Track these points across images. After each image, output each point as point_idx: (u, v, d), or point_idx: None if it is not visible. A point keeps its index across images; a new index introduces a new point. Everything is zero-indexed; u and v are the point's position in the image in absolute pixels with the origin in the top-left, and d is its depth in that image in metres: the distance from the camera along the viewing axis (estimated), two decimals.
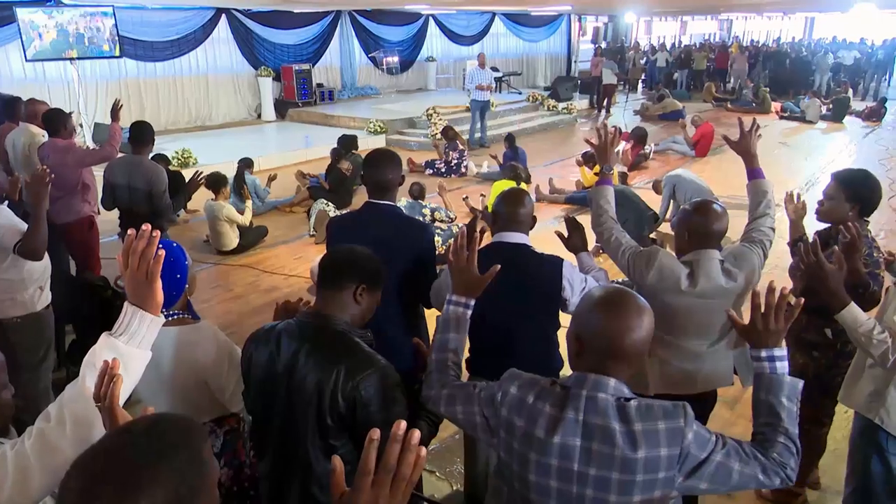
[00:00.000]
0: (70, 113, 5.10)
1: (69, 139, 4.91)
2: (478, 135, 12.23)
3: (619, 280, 4.37)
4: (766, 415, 1.58)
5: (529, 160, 9.77)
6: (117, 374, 1.37)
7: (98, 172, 4.97)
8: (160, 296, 1.49)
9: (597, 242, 2.90)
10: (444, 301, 1.96)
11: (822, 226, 2.93)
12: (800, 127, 14.73)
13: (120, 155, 4.84)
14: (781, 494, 3.15)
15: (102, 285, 4.25)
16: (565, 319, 1.96)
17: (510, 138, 9.85)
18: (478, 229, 2.14)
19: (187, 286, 2.13)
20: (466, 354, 2.60)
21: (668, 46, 26.20)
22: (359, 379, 1.73)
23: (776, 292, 1.62)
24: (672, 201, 7.21)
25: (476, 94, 11.85)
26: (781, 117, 15.72)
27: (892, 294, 2.31)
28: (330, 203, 7.43)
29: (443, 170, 10.11)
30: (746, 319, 1.70)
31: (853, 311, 2.14)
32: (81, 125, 10.52)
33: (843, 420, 3.19)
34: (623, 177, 8.59)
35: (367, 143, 11.03)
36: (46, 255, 3.22)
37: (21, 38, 9.80)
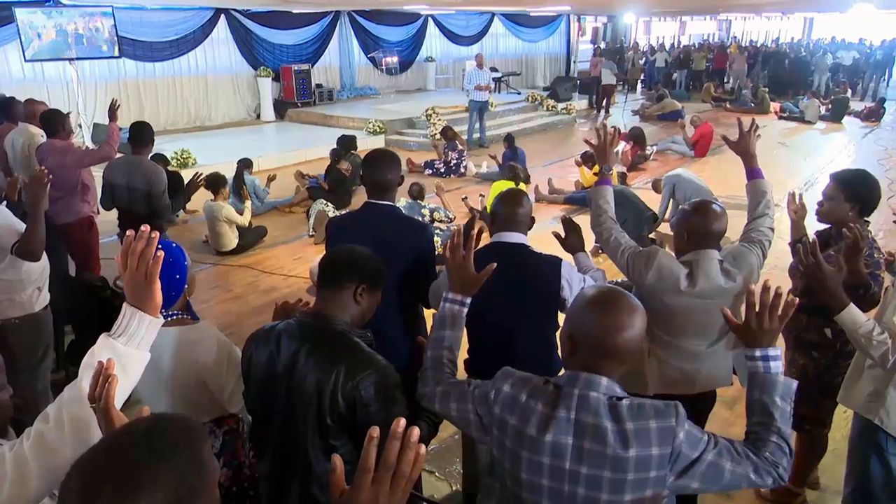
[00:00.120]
0: (68, 114, 5.10)
1: (67, 140, 4.90)
2: (477, 135, 12.24)
3: (619, 280, 4.37)
4: (759, 414, 1.58)
5: (528, 160, 9.77)
6: (112, 374, 1.36)
7: (97, 173, 4.97)
8: (159, 297, 1.49)
9: (596, 242, 2.90)
10: None
11: (823, 226, 2.93)
12: (799, 127, 14.74)
13: (119, 155, 4.83)
14: (781, 494, 3.15)
15: (101, 286, 4.25)
16: None
17: (509, 138, 9.85)
18: (476, 229, 2.14)
19: (186, 286, 2.13)
20: (465, 355, 2.62)
21: (667, 47, 26.23)
22: (359, 379, 1.73)
23: (771, 291, 1.62)
24: (671, 201, 7.22)
25: (474, 95, 11.86)
26: (780, 117, 15.73)
27: (891, 294, 2.31)
28: (329, 203, 7.43)
29: (442, 170, 10.11)
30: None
31: (852, 312, 2.14)
32: (80, 126, 10.53)
33: (842, 420, 3.19)
34: (622, 177, 8.59)
35: (367, 144, 11.02)
36: (45, 256, 3.21)
37: (20, 38, 9.79)
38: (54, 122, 4.77)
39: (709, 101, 18.31)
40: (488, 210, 4.75)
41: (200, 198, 6.73)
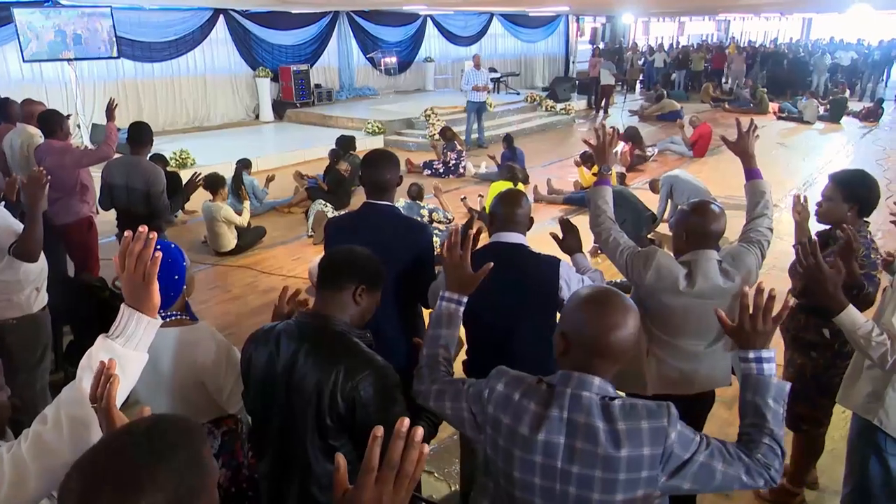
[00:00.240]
0: (68, 116, 5.09)
1: (65, 140, 4.90)
2: (475, 135, 12.24)
3: (617, 280, 4.38)
4: (751, 416, 1.59)
5: (527, 161, 9.77)
6: (114, 374, 1.36)
7: (96, 173, 4.97)
8: (157, 298, 1.49)
9: (595, 243, 2.90)
10: None
11: (824, 227, 2.93)
12: (797, 127, 14.76)
13: (117, 155, 4.83)
14: (779, 494, 3.15)
15: (100, 286, 4.25)
16: None
17: (508, 139, 9.86)
18: (474, 229, 2.14)
19: (185, 287, 2.12)
20: (464, 356, 2.62)
21: (666, 47, 26.24)
22: (358, 379, 1.73)
23: (764, 293, 1.62)
24: (669, 202, 7.23)
25: (472, 95, 11.86)
26: (779, 118, 15.76)
27: (889, 295, 2.31)
28: (328, 204, 7.43)
29: (441, 170, 10.11)
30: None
31: (851, 313, 2.14)
32: (79, 126, 10.52)
33: (841, 420, 3.19)
34: (621, 177, 8.60)
35: (366, 144, 11.03)
36: (43, 257, 3.21)
37: (18, 38, 9.79)
38: (52, 122, 4.76)
39: (707, 102, 18.33)
40: (487, 210, 4.73)
41: (199, 198, 6.73)
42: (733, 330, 1.67)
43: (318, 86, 15.48)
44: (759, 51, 24.81)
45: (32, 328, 3.29)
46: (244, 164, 8.04)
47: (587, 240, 2.87)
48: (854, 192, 2.76)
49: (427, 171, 10.13)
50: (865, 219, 2.82)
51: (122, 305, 1.48)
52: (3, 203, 3.23)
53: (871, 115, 15.41)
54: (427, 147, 11.54)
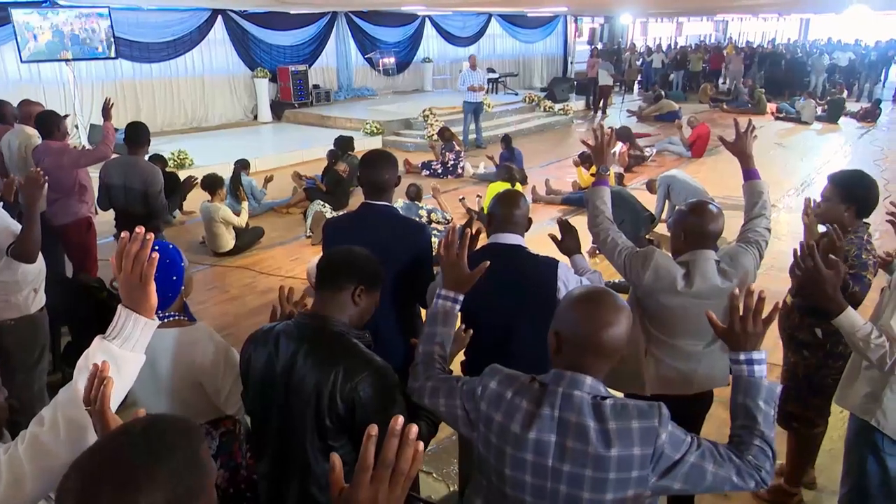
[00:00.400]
0: (65, 116, 5.09)
1: (63, 141, 4.89)
2: (472, 136, 12.24)
3: (616, 281, 4.38)
4: (742, 417, 1.59)
5: (526, 161, 9.78)
6: (107, 376, 1.36)
7: (94, 173, 4.96)
8: (154, 299, 1.48)
9: (593, 243, 2.90)
10: None
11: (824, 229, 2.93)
12: (795, 128, 14.78)
13: (115, 156, 4.83)
14: (777, 494, 3.16)
15: (98, 287, 4.25)
16: None
17: (507, 139, 9.87)
18: (473, 229, 2.14)
19: (183, 288, 2.12)
20: (462, 356, 2.62)
21: (664, 48, 26.26)
22: (357, 380, 1.73)
23: (755, 295, 1.63)
24: (667, 202, 7.23)
25: (468, 96, 11.86)
26: (777, 118, 15.78)
27: (887, 296, 2.31)
28: (326, 204, 7.43)
29: (439, 171, 10.11)
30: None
31: (850, 315, 2.14)
32: (77, 126, 10.51)
33: (838, 420, 3.20)
34: (619, 178, 8.61)
35: (364, 145, 11.03)
36: (41, 258, 3.21)
37: (16, 39, 9.78)
38: (50, 123, 4.75)
39: (706, 102, 18.34)
40: (485, 211, 4.71)
41: (197, 199, 6.72)
42: (724, 332, 1.67)
43: (316, 86, 15.48)
44: (756, 51, 24.85)
45: (30, 329, 3.29)
46: (242, 165, 8.04)
47: (586, 240, 2.87)
48: (851, 192, 2.76)
49: (425, 172, 10.13)
50: (866, 220, 2.81)
51: (119, 306, 1.47)
52: (0, 204, 3.23)
53: (869, 116, 15.44)
54: (425, 147, 11.54)
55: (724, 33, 35.30)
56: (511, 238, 2.47)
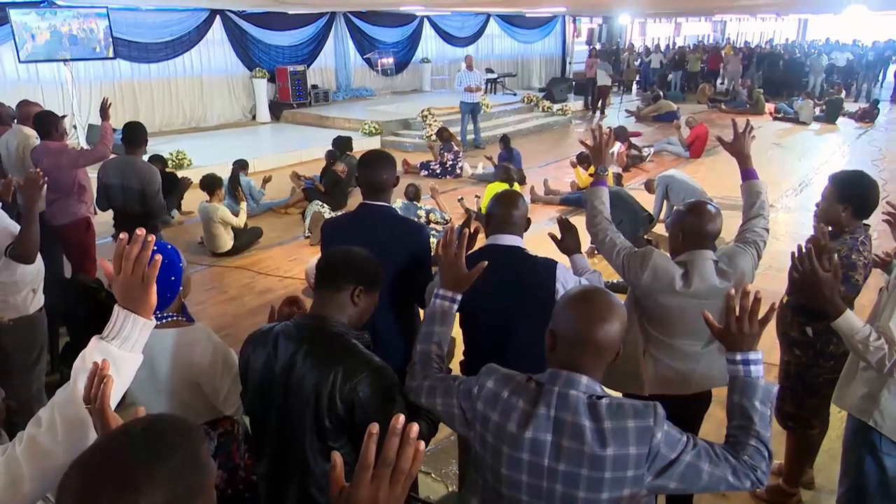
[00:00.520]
0: (63, 116, 5.09)
1: (61, 141, 4.89)
2: (471, 136, 12.24)
3: (615, 281, 4.38)
4: (738, 418, 1.60)
5: (524, 161, 9.79)
6: (108, 375, 1.36)
7: (93, 174, 4.96)
8: (154, 300, 1.48)
9: (591, 243, 2.90)
10: None
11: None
12: (793, 128, 14.79)
13: (113, 156, 4.82)
14: (775, 494, 3.16)
15: (97, 287, 4.24)
16: None
17: (505, 139, 9.87)
18: (472, 228, 2.14)
19: (181, 288, 2.12)
20: (461, 356, 2.62)
21: (663, 48, 26.28)
22: (356, 381, 1.73)
23: (750, 296, 1.63)
24: (665, 202, 7.24)
25: (465, 97, 11.85)
26: (775, 118, 15.80)
27: (885, 297, 2.31)
28: (325, 204, 7.43)
29: (438, 171, 10.11)
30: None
31: (849, 318, 2.14)
32: (75, 127, 10.49)
33: (836, 420, 3.20)
34: (618, 178, 8.61)
35: (362, 145, 11.02)
36: (40, 258, 3.20)
37: (14, 39, 9.76)
38: (47, 123, 4.75)
39: (704, 102, 18.36)
40: (482, 211, 4.68)
41: (196, 199, 6.72)
42: (720, 332, 1.68)
43: (314, 86, 15.47)
44: (755, 52, 24.88)
45: (29, 329, 3.29)
46: (241, 165, 8.03)
47: (585, 240, 2.87)
48: (848, 192, 2.75)
49: (424, 172, 10.13)
50: (865, 221, 2.79)
51: (116, 306, 1.47)
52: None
53: (867, 116, 15.46)
54: (424, 148, 11.54)
55: (722, 34, 35.35)
56: (509, 239, 2.46)
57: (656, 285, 2.45)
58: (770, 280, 2.96)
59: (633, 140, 11.32)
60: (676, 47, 26.89)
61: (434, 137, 11.13)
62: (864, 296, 2.85)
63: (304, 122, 14.23)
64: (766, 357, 1.68)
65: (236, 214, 6.89)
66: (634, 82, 21.74)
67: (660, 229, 7.08)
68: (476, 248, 2.44)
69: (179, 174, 8.18)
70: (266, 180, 8.09)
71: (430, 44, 18.75)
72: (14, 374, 3.22)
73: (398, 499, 0.99)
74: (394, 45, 17.64)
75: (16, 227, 3.06)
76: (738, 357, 1.63)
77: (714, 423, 2.71)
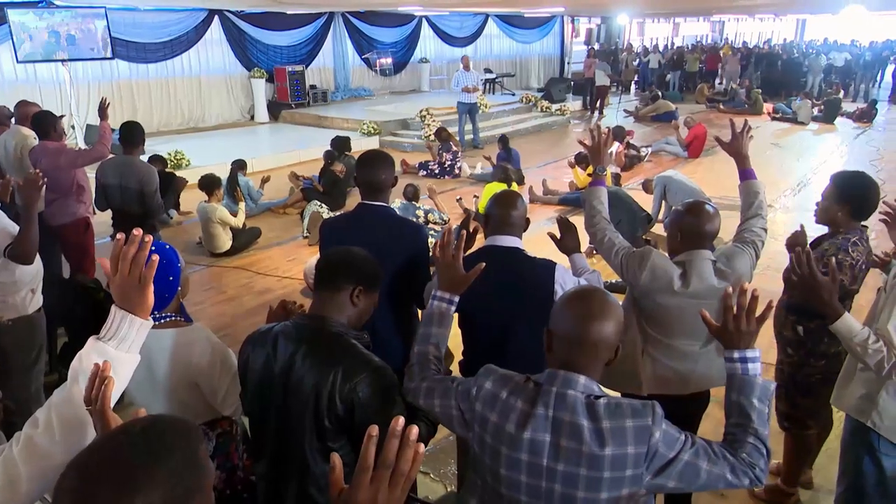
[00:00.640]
0: (61, 116, 5.08)
1: (59, 141, 4.89)
2: (469, 136, 12.24)
3: (613, 281, 4.39)
4: (736, 415, 1.60)
5: (523, 161, 9.79)
6: (108, 376, 1.36)
7: (91, 174, 4.95)
8: (151, 300, 1.48)
9: (590, 243, 2.90)
10: None
11: (822, 231, 2.93)
12: (791, 128, 14.81)
13: (110, 156, 4.82)
14: (774, 494, 3.17)
15: (95, 287, 4.24)
16: None
17: (504, 139, 9.87)
18: (471, 228, 2.14)
19: (180, 288, 2.12)
20: (460, 357, 2.62)
21: (661, 48, 26.31)
22: (356, 381, 1.73)
23: (747, 294, 1.63)
24: (663, 202, 7.24)
25: (462, 97, 11.85)
26: (773, 118, 15.81)
27: (883, 299, 2.31)
28: (323, 205, 7.43)
29: (436, 171, 10.11)
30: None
31: (847, 321, 2.14)
32: (73, 127, 10.48)
33: (835, 420, 3.21)
34: (616, 178, 8.62)
35: (361, 145, 11.02)
36: (38, 258, 3.20)
37: (12, 39, 9.75)
38: (46, 123, 4.75)
39: (702, 102, 18.37)
40: (481, 211, 4.66)
41: (194, 199, 6.71)
42: (718, 330, 1.68)
43: (313, 87, 15.47)
44: (753, 52, 24.90)
45: (28, 329, 3.28)
46: (239, 165, 8.03)
47: (584, 240, 2.87)
48: (845, 192, 2.74)
49: (422, 172, 10.13)
50: (863, 223, 2.77)
51: (113, 307, 1.47)
52: None
53: (865, 116, 15.47)
54: (422, 148, 11.54)
55: (720, 34, 35.39)
56: (508, 240, 2.46)
57: (655, 285, 2.45)
58: (768, 280, 2.97)
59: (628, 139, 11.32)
60: (675, 47, 26.91)
61: (432, 137, 11.13)
62: (862, 295, 2.85)
63: (302, 122, 14.23)
64: (763, 356, 1.69)
65: (235, 214, 6.88)
66: (633, 82, 21.75)
67: (658, 229, 7.09)
68: (475, 248, 2.44)
69: (178, 174, 8.18)
70: (264, 180, 8.09)
71: (428, 44, 18.75)
72: (13, 374, 3.22)
73: (397, 501, 0.99)
74: (392, 45, 17.63)
75: (15, 228, 3.05)
76: (736, 355, 1.63)
77: (713, 423, 2.71)
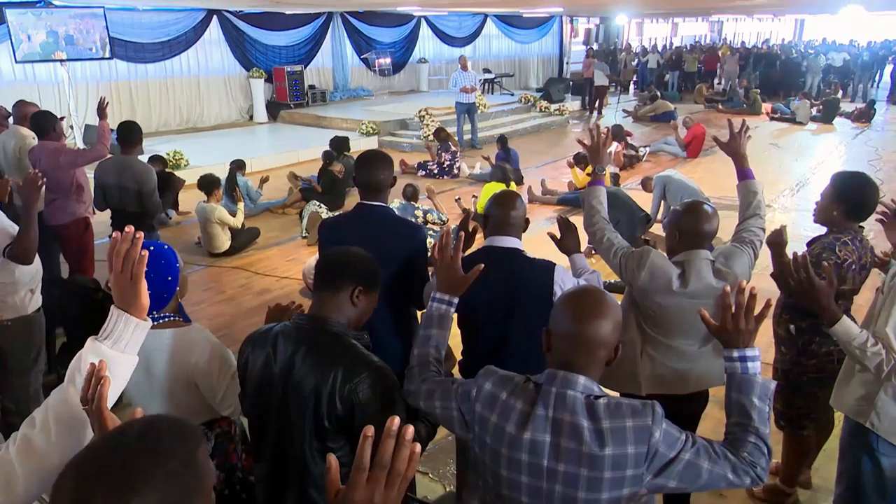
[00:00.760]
0: (62, 118, 5.08)
1: (59, 141, 4.88)
2: (468, 136, 12.23)
3: (612, 281, 4.39)
4: (737, 414, 1.60)
5: (522, 161, 9.80)
6: (105, 376, 1.35)
7: (90, 174, 4.95)
8: (145, 298, 1.48)
9: (589, 243, 2.90)
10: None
11: (819, 232, 2.92)
12: (790, 128, 14.82)
13: (108, 156, 4.82)
14: (772, 494, 3.17)
15: (94, 288, 4.24)
16: None
17: (502, 139, 9.88)
18: (469, 228, 2.14)
19: (178, 289, 2.12)
20: (459, 357, 2.62)
21: (660, 48, 26.32)
22: (356, 381, 1.73)
23: (745, 292, 1.63)
24: (662, 202, 7.25)
25: (460, 97, 11.84)
26: (772, 118, 15.82)
27: (881, 301, 2.31)
28: (322, 205, 7.43)
29: (435, 171, 10.11)
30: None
31: (846, 324, 2.14)
32: (72, 127, 10.47)
33: (833, 420, 3.21)
34: (615, 178, 8.63)
35: (360, 145, 11.01)
36: (37, 258, 3.20)
37: (11, 39, 9.74)
38: (45, 123, 4.75)
39: (701, 103, 18.38)
40: (479, 211, 4.65)
41: (193, 199, 6.71)
42: (717, 329, 1.68)
43: (312, 87, 15.46)
44: (751, 52, 24.93)
45: (27, 330, 3.28)
46: (238, 165, 8.02)
47: (583, 240, 2.87)
48: (841, 192, 2.72)
49: (421, 172, 10.13)
50: (860, 223, 2.75)
51: (112, 307, 1.47)
52: None
53: (864, 116, 15.48)
54: (421, 148, 11.54)
55: (719, 34, 35.42)
56: (507, 241, 2.46)
57: (653, 285, 2.45)
58: (767, 279, 2.96)
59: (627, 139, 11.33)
60: (673, 47, 26.93)
61: (431, 138, 11.13)
62: (861, 295, 2.85)
63: (301, 122, 14.23)
64: (763, 356, 1.68)
65: (234, 215, 6.88)
66: (631, 82, 21.77)
67: (657, 229, 7.09)
68: (474, 248, 2.44)
69: (176, 174, 8.17)
70: (263, 180, 8.08)
71: (427, 44, 18.75)
72: (12, 375, 3.22)
73: (394, 501, 0.99)
74: (391, 46, 17.63)
75: (14, 228, 3.05)
76: (736, 354, 1.63)
77: (711, 423, 2.71)
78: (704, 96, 18.72)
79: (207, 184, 6.79)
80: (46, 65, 10.83)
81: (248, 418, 2.01)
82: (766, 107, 16.70)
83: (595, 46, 24.31)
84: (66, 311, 3.96)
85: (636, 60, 22.82)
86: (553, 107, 15.78)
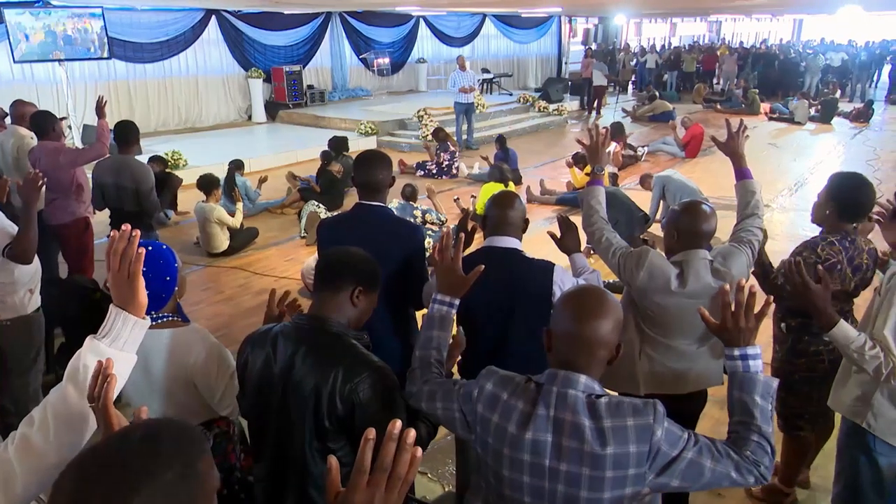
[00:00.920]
0: (62, 118, 5.07)
1: (58, 141, 4.88)
2: (464, 137, 12.23)
3: (611, 281, 4.39)
4: (739, 413, 1.59)
5: (520, 161, 9.80)
6: (111, 374, 1.36)
7: (89, 174, 4.94)
8: (143, 297, 1.48)
9: (588, 243, 2.91)
10: None
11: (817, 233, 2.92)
12: (788, 128, 14.84)
13: (107, 155, 4.82)
14: (771, 494, 3.17)
15: (93, 287, 4.23)
16: None
17: (501, 139, 9.88)
18: (469, 227, 2.14)
19: (177, 289, 2.12)
20: (459, 357, 2.61)
21: (658, 48, 26.33)
22: (356, 381, 1.73)
23: (745, 290, 1.63)
24: (661, 202, 7.25)
25: (458, 97, 11.84)
26: (770, 118, 15.84)
27: (878, 302, 2.31)
28: (321, 205, 7.43)
29: (434, 171, 10.11)
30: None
31: (843, 328, 2.14)
32: (70, 127, 10.46)
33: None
34: (614, 178, 8.63)
35: (358, 145, 11.02)
36: (37, 258, 3.20)
37: (9, 39, 9.73)
38: (45, 123, 4.75)
39: (699, 103, 18.40)
40: (478, 211, 4.65)
41: (192, 199, 6.71)
42: (717, 328, 1.68)
43: (310, 87, 15.45)
44: (750, 52, 24.94)
45: (26, 330, 3.28)
46: (237, 165, 8.02)
47: (583, 240, 2.87)
48: (835, 192, 2.71)
49: (420, 172, 10.13)
50: (854, 224, 2.73)
51: (111, 306, 1.47)
52: None
53: (862, 116, 15.50)
54: (420, 148, 11.54)
55: (717, 34, 35.44)
56: (507, 241, 2.46)
57: (652, 285, 2.46)
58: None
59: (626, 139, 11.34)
60: (672, 47, 26.95)
61: (430, 137, 11.13)
62: (861, 295, 2.85)
63: (300, 122, 14.22)
64: (763, 355, 1.68)
65: (232, 215, 6.88)
66: (630, 82, 21.76)
67: (656, 229, 7.09)
68: (473, 248, 2.44)
69: (175, 174, 8.16)
70: (262, 180, 8.08)
71: (426, 44, 18.74)
72: (12, 375, 3.21)
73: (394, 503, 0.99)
74: (390, 46, 17.62)
75: (13, 228, 3.05)
76: (737, 352, 1.63)
77: (710, 423, 2.72)
78: (703, 96, 18.73)
79: (206, 184, 6.79)
80: (45, 65, 10.81)
81: (247, 418, 2.01)
82: (765, 107, 16.72)
83: (593, 46, 24.31)
84: (64, 311, 3.96)
85: (635, 60, 22.83)
86: (551, 107, 15.79)
